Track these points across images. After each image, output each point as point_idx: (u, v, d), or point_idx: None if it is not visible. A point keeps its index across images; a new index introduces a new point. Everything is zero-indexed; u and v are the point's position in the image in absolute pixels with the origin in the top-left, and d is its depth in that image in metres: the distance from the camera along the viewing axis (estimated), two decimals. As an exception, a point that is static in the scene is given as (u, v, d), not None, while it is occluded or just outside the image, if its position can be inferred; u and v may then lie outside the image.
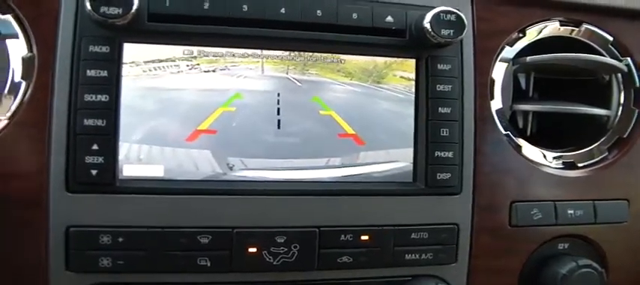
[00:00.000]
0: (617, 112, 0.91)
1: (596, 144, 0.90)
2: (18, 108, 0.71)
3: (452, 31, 0.75)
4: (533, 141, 0.89)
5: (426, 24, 0.75)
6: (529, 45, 0.87)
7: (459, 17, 0.75)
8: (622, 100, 0.91)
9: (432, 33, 0.74)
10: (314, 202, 0.76)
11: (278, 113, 0.75)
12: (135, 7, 0.67)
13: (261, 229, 0.75)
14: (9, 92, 0.71)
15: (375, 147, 0.78)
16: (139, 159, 0.72)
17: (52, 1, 0.71)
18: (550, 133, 0.92)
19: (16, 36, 0.71)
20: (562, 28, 0.88)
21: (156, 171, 0.73)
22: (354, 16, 0.76)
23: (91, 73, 0.70)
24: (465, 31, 0.76)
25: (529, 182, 0.85)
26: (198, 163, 0.74)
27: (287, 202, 0.76)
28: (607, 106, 0.91)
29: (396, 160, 0.79)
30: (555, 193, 0.86)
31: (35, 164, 0.70)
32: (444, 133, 0.79)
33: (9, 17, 0.71)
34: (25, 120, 0.71)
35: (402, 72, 0.79)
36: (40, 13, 0.71)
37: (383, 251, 0.78)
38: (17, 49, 0.71)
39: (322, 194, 0.76)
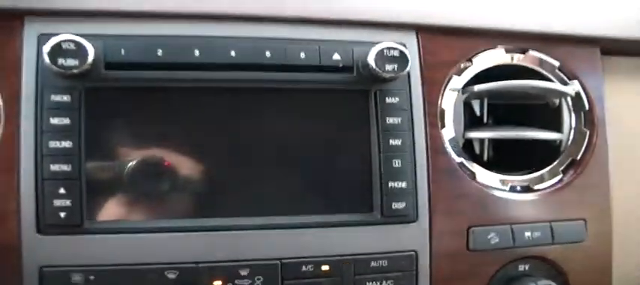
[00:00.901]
0: (569, 134, 0.94)
1: (550, 166, 0.92)
2: None
3: (396, 65, 0.79)
4: (491, 165, 0.91)
5: (371, 60, 0.78)
6: (480, 72, 0.90)
7: (401, 52, 0.79)
8: (573, 123, 0.94)
9: (377, 69, 0.78)
10: (276, 235, 0.79)
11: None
12: (91, 58, 0.71)
13: (226, 262, 0.77)
14: (-21, 142, 0.74)
15: (333, 179, 0.81)
16: (105, 200, 0.76)
17: (13, 56, 0.75)
18: (507, 157, 0.95)
19: (-19, 88, 0.75)
20: (508, 55, 0.91)
21: (122, 212, 0.76)
22: (302, 55, 0.80)
23: (54, 121, 0.74)
24: (409, 65, 0.79)
25: (485, 207, 0.87)
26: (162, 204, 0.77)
27: (250, 236, 0.78)
28: (559, 129, 0.94)
29: (354, 188, 0.82)
30: (512, 217, 0.88)
31: (7, 209, 0.73)
32: (397, 164, 0.81)
33: (-25, 71, 0.75)
34: None
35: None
36: (4, 67, 0.75)
37: (343, 281, 0.80)
38: (-15, 101, 0.75)
39: (284, 227, 0.79)
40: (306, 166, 0.80)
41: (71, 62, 0.71)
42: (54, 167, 0.73)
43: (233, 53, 0.78)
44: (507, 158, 0.95)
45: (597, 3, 0.97)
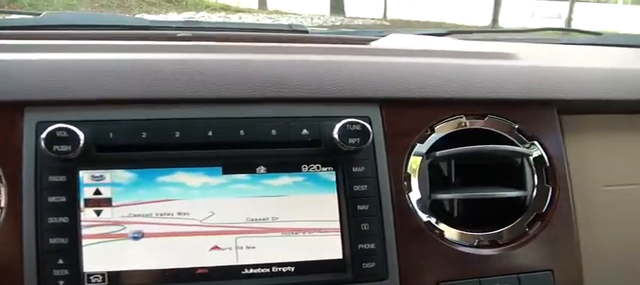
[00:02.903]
0: (533, 191, 0.99)
1: (515, 222, 0.97)
2: None
3: (358, 139, 0.86)
4: (461, 220, 0.97)
5: (335, 135, 0.86)
6: (442, 136, 0.96)
7: (363, 126, 0.86)
8: (535, 180, 0.99)
9: (341, 142, 0.86)
10: None
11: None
12: (82, 143, 0.80)
13: None
14: (-15, 218, 0.82)
15: (307, 239, 0.88)
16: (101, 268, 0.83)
17: (15, 142, 0.83)
18: (475, 212, 1.01)
19: (-13, 170, 0.83)
20: (467, 121, 0.98)
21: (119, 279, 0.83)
22: (274, 132, 0.87)
23: (52, 199, 0.82)
24: (371, 138, 0.87)
25: (453, 263, 0.93)
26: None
27: None
28: (523, 187, 0.99)
29: (326, 250, 0.88)
30: (480, 271, 0.94)
31: (12, 277, 0.81)
32: (365, 228, 0.88)
33: (-19, 156, 0.83)
34: (1, 241, 0.82)
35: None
36: (7, 152, 0.83)
37: None
38: (-11, 181, 0.83)
39: None
40: (280, 232, 0.87)
41: (65, 148, 0.80)
42: (53, 240, 0.81)
43: (210, 133, 0.86)
44: (476, 214, 1.00)
45: (553, 66, 1.04)
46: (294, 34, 1.28)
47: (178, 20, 1.46)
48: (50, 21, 1.27)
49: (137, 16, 1.49)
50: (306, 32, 1.27)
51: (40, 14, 1.32)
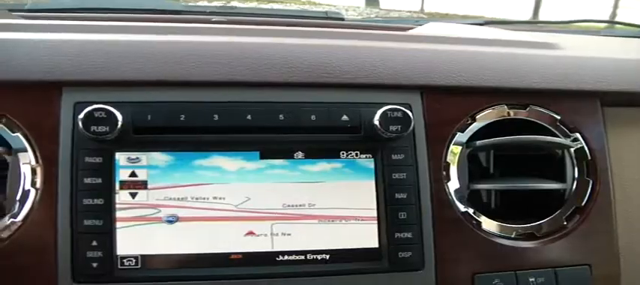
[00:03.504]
0: (572, 184, 0.97)
1: (554, 215, 0.96)
2: (29, 212, 0.82)
3: (399, 126, 0.85)
4: (498, 213, 0.96)
5: (376, 121, 0.85)
6: (483, 126, 0.95)
7: (405, 114, 0.85)
8: (576, 173, 0.98)
9: (381, 129, 0.85)
10: (289, 282, 0.85)
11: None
12: (120, 124, 0.80)
13: None
14: (21, 198, 0.82)
15: (343, 227, 0.87)
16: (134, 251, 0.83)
17: (53, 122, 0.83)
18: (513, 204, 0.99)
19: (25, 150, 0.83)
20: (510, 110, 0.96)
21: (152, 262, 0.83)
22: (313, 117, 0.86)
23: (87, 180, 0.82)
24: (412, 125, 0.86)
25: (490, 255, 0.92)
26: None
27: (264, 284, 0.84)
28: (562, 179, 0.97)
29: (362, 239, 0.87)
30: (516, 263, 0.92)
31: (46, 259, 0.81)
32: (403, 216, 0.87)
33: (19, 135, 0.83)
34: (36, 221, 0.82)
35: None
36: (44, 133, 0.83)
37: None
38: (27, 161, 0.83)
39: (296, 276, 0.85)
40: (316, 219, 0.86)
41: (103, 129, 0.80)
42: (87, 222, 0.81)
43: (249, 117, 0.85)
44: (513, 206, 0.99)
45: (596, 57, 1.02)
46: (330, 21, 1.26)
47: (212, 5, 1.46)
48: (85, 3, 1.27)
49: (168, 1, 1.48)
50: (343, 19, 1.26)
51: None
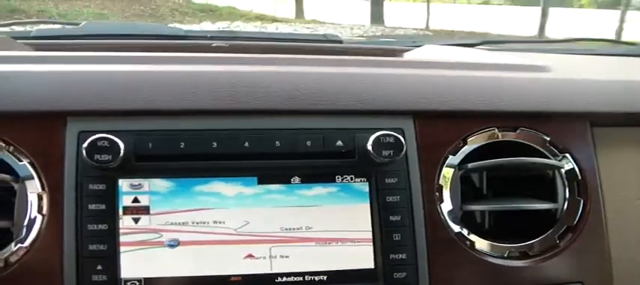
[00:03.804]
0: (564, 203, 0.99)
1: (546, 234, 0.97)
2: (36, 237, 0.84)
3: (392, 151, 0.88)
4: (492, 233, 0.98)
5: (369, 147, 0.88)
6: (475, 148, 0.97)
7: (397, 139, 0.88)
8: (567, 193, 0.99)
9: (374, 154, 0.88)
10: None
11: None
12: (122, 152, 0.83)
13: None
14: (28, 224, 0.85)
15: (340, 249, 0.89)
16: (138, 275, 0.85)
17: (58, 151, 0.86)
18: (507, 224, 1.01)
19: (31, 177, 0.86)
20: (500, 133, 0.98)
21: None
22: (308, 143, 0.89)
23: (92, 207, 0.85)
24: (405, 150, 0.88)
25: (483, 274, 0.94)
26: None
27: None
28: (554, 199, 0.99)
29: (358, 260, 0.89)
30: (510, 282, 0.94)
31: (52, 282, 0.83)
32: (397, 238, 0.89)
33: (25, 164, 0.86)
34: (43, 247, 0.84)
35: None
36: (50, 161, 0.86)
37: None
38: (33, 188, 0.85)
39: None
40: (313, 242, 0.88)
41: (106, 157, 0.83)
42: (92, 247, 0.84)
43: (247, 144, 0.88)
44: (506, 226, 1.01)
45: (584, 79, 1.04)
46: (328, 45, 1.29)
47: (213, 30, 1.49)
48: (89, 31, 1.30)
49: (171, 26, 1.51)
50: (341, 42, 1.28)
51: (79, 24, 1.35)
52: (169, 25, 1.43)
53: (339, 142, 0.90)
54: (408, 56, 1.27)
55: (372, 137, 0.88)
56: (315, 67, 0.98)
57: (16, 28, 1.60)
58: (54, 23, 1.38)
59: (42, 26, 1.45)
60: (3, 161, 0.86)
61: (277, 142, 0.89)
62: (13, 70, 0.88)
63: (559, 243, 0.98)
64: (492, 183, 1.04)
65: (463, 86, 0.97)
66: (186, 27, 1.60)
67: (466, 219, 0.97)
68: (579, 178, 1.00)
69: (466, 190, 0.98)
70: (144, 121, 0.88)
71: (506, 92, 0.98)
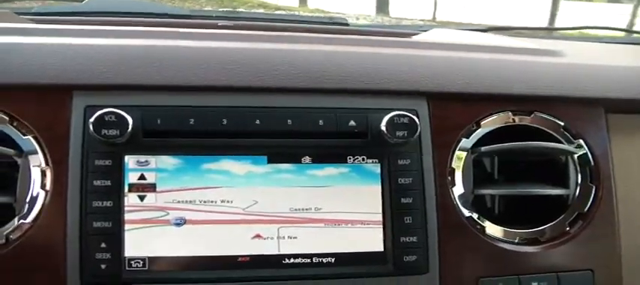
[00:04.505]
0: (575, 189, 0.98)
1: (557, 220, 0.96)
2: (39, 213, 0.83)
3: (406, 132, 0.86)
4: (502, 218, 0.96)
5: (383, 127, 0.86)
6: (488, 132, 0.96)
7: (411, 120, 0.87)
8: (579, 179, 0.98)
9: (388, 135, 0.86)
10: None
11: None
12: (130, 127, 0.81)
13: None
14: (31, 200, 0.83)
15: (349, 231, 0.88)
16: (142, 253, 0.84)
17: (63, 125, 0.84)
18: (517, 209, 1.00)
19: (35, 152, 0.84)
20: (514, 117, 0.97)
21: (159, 264, 0.84)
22: (321, 122, 0.87)
23: (97, 183, 0.83)
24: (419, 131, 0.87)
25: (494, 259, 0.93)
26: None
27: None
28: (566, 184, 0.98)
29: (368, 242, 0.88)
30: (520, 268, 0.93)
31: (54, 260, 0.82)
32: (408, 221, 0.88)
33: (29, 138, 0.84)
34: (45, 223, 0.83)
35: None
36: (54, 136, 0.84)
37: None
38: (37, 163, 0.84)
39: (301, 278, 0.86)
40: (322, 223, 0.87)
41: (113, 132, 0.81)
42: (96, 224, 0.82)
43: (258, 121, 0.86)
44: (517, 211, 1.00)
45: (600, 64, 1.03)
46: (335, 26, 1.27)
47: (219, 10, 1.47)
48: (93, 7, 1.28)
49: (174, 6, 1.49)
50: (347, 25, 1.27)
51: (82, 1, 1.33)
52: (174, 6, 1.41)
53: (352, 122, 0.88)
54: (418, 38, 1.25)
55: (386, 117, 0.86)
56: (327, 45, 0.96)
57: (18, 5, 1.57)
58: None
59: (45, 2, 1.43)
60: (6, 135, 0.84)
61: (289, 121, 0.87)
62: (17, 41, 0.86)
63: (570, 230, 0.97)
64: (503, 168, 1.02)
65: (478, 68, 0.95)
66: (189, 8, 1.58)
67: (476, 203, 0.96)
68: (592, 164, 0.99)
69: (477, 174, 0.96)
70: (152, 96, 0.86)
71: (521, 76, 0.96)
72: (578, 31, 1.72)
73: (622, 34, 1.75)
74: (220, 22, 1.22)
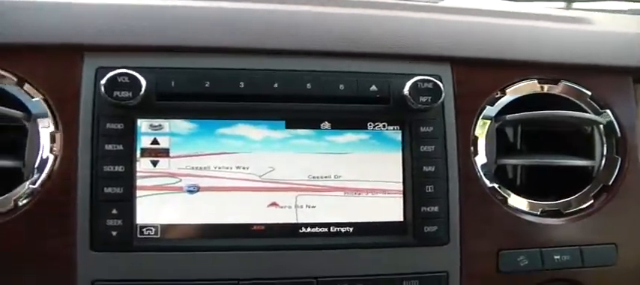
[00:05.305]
0: (601, 161, 0.96)
1: (581, 192, 0.94)
2: (48, 178, 0.81)
3: (430, 97, 0.83)
4: (524, 189, 0.94)
5: (406, 92, 0.83)
6: (512, 101, 0.93)
7: (435, 85, 0.84)
8: (605, 150, 0.96)
9: (411, 100, 0.83)
10: (313, 255, 0.84)
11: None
12: (143, 90, 0.78)
13: (264, 280, 0.83)
14: (39, 165, 0.81)
15: (369, 200, 0.86)
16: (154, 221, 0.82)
17: (74, 87, 0.82)
18: (540, 181, 0.98)
19: (45, 115, 0.82)
20: (541, 85, 0.94)
21: (170, 232, 0.82)
22: (341, 87, 0.85)
23: (108, 147, 0.80)
24: (443, 97, 0.84)
25: (515, 231, 0.91)
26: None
27: (288, 255, 0.84)
28: (591, 156, 0.96)
29: (387, 212, 0.86)
30: (542, 241, 0.91)
31: (65, 226, 0.80)
32: (430, 190, 0.86)
33: (39, 100, 0.82)
34: (55, 189, 0.81)
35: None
36: (64, 97, 0.82)
37: None
38: (46, 126, 0.82)
39: (320, 248, 0.84)
40: (342, 191, 0.85)
41: (125, 94, 0.78)
42: (108, 190, 0.80)
43: (276, 85, 0.83)
44: (540, 183, 0.97)
45: (628, 33, 0.99)
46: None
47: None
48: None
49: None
50: None
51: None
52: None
53: (374, 87, 0.85)
54: (443, 3, 1.22)
55: (410, 82, 0.83)
56: (349, 8, 0.92)
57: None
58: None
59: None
60: (14, 97, 0.82)
61: (308, 85, 0.84)
62: (25, 0, 0.83)
63: (594, 203, 0.95)
64: (526, 139, 1.00)
65: (503, 34, 0.93)
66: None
67: (498, 174, 0.94)
68: (619, 135, 0.96)
69: (500, 143, 0.94)
70: (166, 58, 0.83)
71: (548, 43, 0.94)
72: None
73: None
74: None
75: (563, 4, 1.58)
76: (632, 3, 1.74)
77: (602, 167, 0.96)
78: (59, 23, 0.82)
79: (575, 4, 1.63)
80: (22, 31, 0.81)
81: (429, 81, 0.84)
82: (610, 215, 0.94)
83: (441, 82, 0.86)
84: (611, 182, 0.95)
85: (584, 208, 0.94)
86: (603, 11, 1.36)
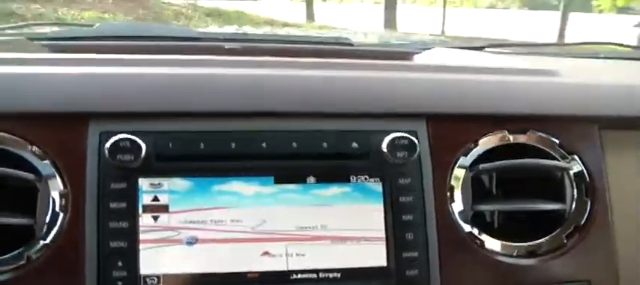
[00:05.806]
0: (572, 204, 1.01)
1: (554, 233, 0.99)
2: (58, 235, 0.86)
3: (406, 153, 0.90)
4: (502, 231, 1.00)
5: (384, 148, 0.90)
6: (485, 151, 0.99)
7: (411, 141, 0.91)
8: (575, 194, 1.01)
9: (389, 156, 0.90)
10: None
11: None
12: (144, 152, 0.85)
13: None
14: (50, 221, 0.87)
15: (354, 247, 0.91)
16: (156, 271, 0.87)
17: (80, 151, 0.88)
18: (516, 223, 1.02)
19: (54, 176, 0.88)
20: (510, 135, 1.00)
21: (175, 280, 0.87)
22: (324, 144, 0.92)
23: (113, 205, 0.87)
24: (418, 151, 0.91)
25: (493, 272, 0.96)
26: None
27: None
28: (562, 199, 1.01)
29: (372, 258, 0.92)
30: (518, 281, 0.97)
31: (74, 279, 0.86)
32: (410, 237, 0.92)
33: (48, 163, 0.88)
34: (64, 244, 0.86)
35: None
36: (71, 161, 0.88)
37: None
38: (56, 187, 0.87)
39: None
40: (328, 240, 0.91)
41: (128, 157, 0.85)
42: (113, 244, 0.86)
43: (264, 144, 0.90)
44: (516, 225, 1.02)
45: (593, 84, 1.06)
46: (339, 47, 1.31)
47: (226, 32, 1.50)
48: (103, 32, 1.32)
49: (183, 27, 1.52)
50: (351, 45, 1.30)
51: (92, 26, 1.37)
52: (182, 28, 1.44)
53: (354, 144, 0.92)
54: (418, 59, 1.29)
55: (387, 139, 0.90)
56: (329, 70, 1.00)
57: (27, 30, 1.61)
58: (68, 25, 1.39)
59: (55, 28, 1.46)
60: (26, 160, 0.88)
61: (294, 143, 0.91)
62: (35, 71, 0.91)
63: (566, 242, 1.00)
64: (501, 183, 1.05)
65: (474, 90, 0.99)
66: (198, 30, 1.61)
67: (475, 219, 0.99)
68: (587, 179, 1.02)
69: (476, 190, 0.99)
70: (164, 122, 0.90)
71: (516, 96, 1.00)
72: (587, 46, 1.74)
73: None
74: (227, 45, 1.26)
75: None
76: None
77: (573, 209, 1.01)
78: (66, 93, 0.89)
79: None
80: (30, 100, 0.88)
81: (405, 138, 0.90)
82: (583, 254, 0.99)
83: (417, 137, 0.93)
84: (582, 223, 1.00)
85: (557, 248, 0.99)
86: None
